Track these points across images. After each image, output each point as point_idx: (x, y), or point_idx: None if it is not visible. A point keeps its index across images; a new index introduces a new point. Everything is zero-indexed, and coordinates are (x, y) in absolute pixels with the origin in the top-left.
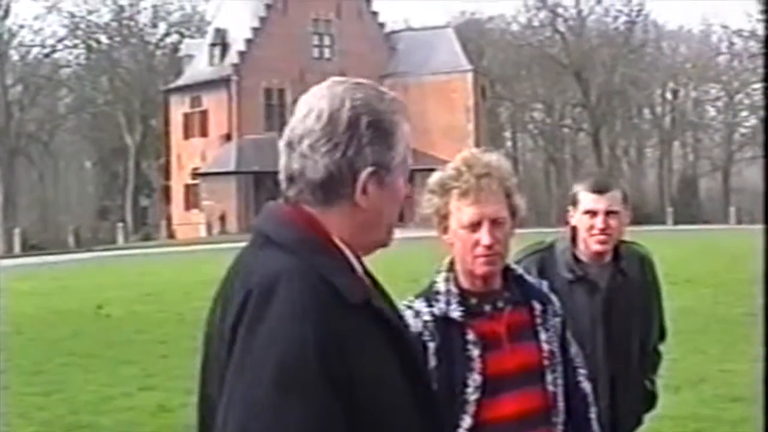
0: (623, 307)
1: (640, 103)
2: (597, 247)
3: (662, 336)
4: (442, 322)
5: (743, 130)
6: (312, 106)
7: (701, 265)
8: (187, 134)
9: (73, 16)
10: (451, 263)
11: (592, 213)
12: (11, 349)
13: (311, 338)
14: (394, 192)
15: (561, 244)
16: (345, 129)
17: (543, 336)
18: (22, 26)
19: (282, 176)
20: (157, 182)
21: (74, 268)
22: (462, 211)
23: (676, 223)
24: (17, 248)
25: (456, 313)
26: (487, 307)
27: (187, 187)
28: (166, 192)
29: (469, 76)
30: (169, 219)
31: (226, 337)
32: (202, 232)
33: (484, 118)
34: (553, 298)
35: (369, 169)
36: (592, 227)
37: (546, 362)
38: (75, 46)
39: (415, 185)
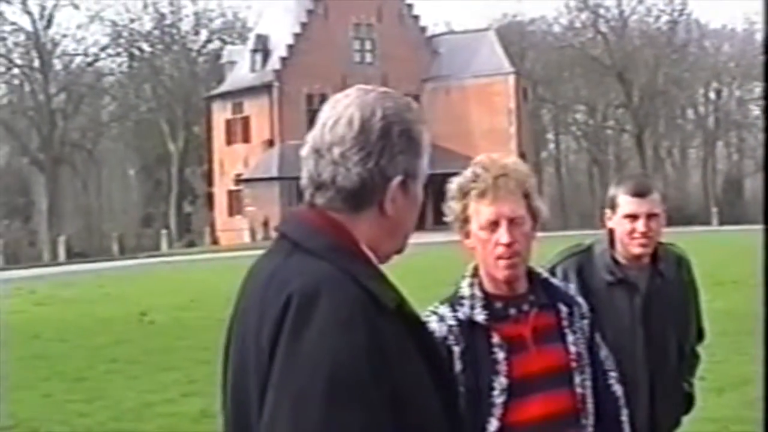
0: (662, 308)
1: (684, 103)
2: (638, 251)
3: (700, 337)
4: (467, 326)
5: None
6: (341, 114)
7: (747, 266)
8: (229, 140)
9: (115, 24)
10: (476, 268)
11: (633, 217)
12: (54, 356)
13: (361, 346)
14: (416, 200)
15: (599, 246)
16: (378, 138)
17: (570, 338)
18: (65, 35)
19: (307, 183)
20: (201, 189)
21: (118, 275)
22: (480, 212)
23: (721, 223)
24: (62, 256)
25: (480, 316)
26: (513, 311)
27: (230, 193)
28: (210, 198)
29: (511, 78)
30: (212, 225)
31: (264, 347)
32: (246, 238)
33: (526, 121)
34: (580, 300)
35: (399, 178)
36: (633, 231)
37: (573, 364)
38: (118, 55)
39: None
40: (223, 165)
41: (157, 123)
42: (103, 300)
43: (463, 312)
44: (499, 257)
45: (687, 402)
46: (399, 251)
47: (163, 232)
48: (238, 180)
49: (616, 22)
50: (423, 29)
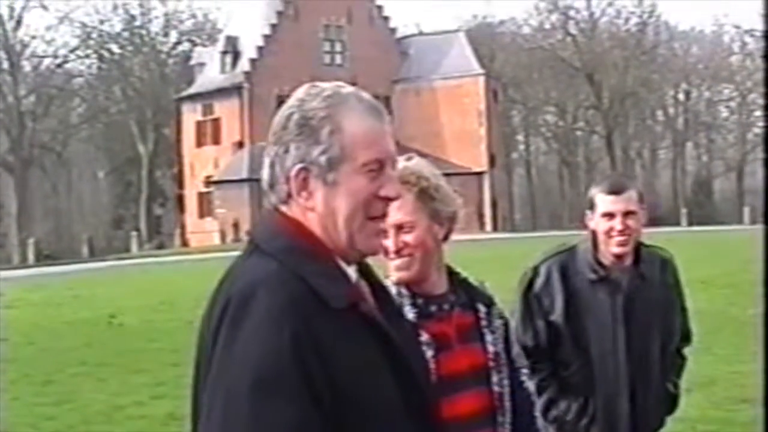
0: (644, 308)
1: (653, 105)
2: (617, 250)
3: (686, 339)
4: None
5: (757, 130)
6: None
7: (715, 266)
8: (199, 142)
9: (84, 26)
10: None
11: (610, 215)
12: (23, 359)
13: (288, 343)
14: (348, 190)
15: (583, 246)
16: (279, 129)
17: (488, 338)
18: (34, 37)
19: None
20: (171, 191)
21: (88, 277)
22: None
23: (690, 224)
24: (31, 258)
25: (410, 314)
26: (433, 308)
27: (201, 195)
28: (180, 200)
29: (481, 79)
30: (182, 227)
31: (208, 346)
32: (216, 240)
33: (496, 122)
34: (496, 301)
35: (297, 167)
36: (611, 229)
37: (492, 363)
38: (87, 56)
39: None
40: (193, 167)
41: (126, 125)
42: (72, 302)
43: None
44: (391, 260)
45: (671, 402)
46: (365, 248)
47: (133, 234)
48: (208, 182)
49: (585, 24)
50: (393, 30)
